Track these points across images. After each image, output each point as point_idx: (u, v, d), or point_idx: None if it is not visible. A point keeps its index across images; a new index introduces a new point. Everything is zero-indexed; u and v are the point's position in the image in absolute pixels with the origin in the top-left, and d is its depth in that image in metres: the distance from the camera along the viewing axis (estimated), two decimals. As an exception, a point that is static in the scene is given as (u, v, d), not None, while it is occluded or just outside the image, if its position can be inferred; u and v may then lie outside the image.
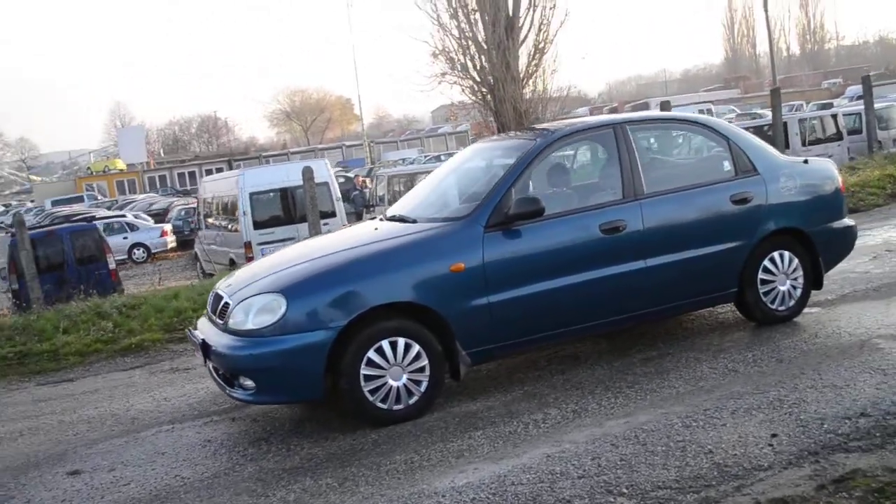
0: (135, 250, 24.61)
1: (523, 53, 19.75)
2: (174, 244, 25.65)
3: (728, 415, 4.38)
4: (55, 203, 44.37)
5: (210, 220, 17.49)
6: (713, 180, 5.80)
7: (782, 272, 5.88)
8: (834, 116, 18.97)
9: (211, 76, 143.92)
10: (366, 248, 5.14)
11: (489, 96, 19.68)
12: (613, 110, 64.82)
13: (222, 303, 5.23)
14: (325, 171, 15.77)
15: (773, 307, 5.89)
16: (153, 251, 24.96)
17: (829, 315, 6.07)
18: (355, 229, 5.96)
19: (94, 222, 17.18)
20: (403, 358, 4.90)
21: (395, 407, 4.92)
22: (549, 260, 5.22)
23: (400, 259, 5.02)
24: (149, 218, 28.53)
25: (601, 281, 5.30)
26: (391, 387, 4.88)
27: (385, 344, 4.86)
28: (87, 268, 14.05)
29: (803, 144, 18.12)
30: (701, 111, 43.26)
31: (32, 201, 50.38)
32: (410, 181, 19.75)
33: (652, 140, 6.13)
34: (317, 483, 4.22)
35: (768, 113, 35.00)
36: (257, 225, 15.04)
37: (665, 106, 16.71)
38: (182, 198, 37.19)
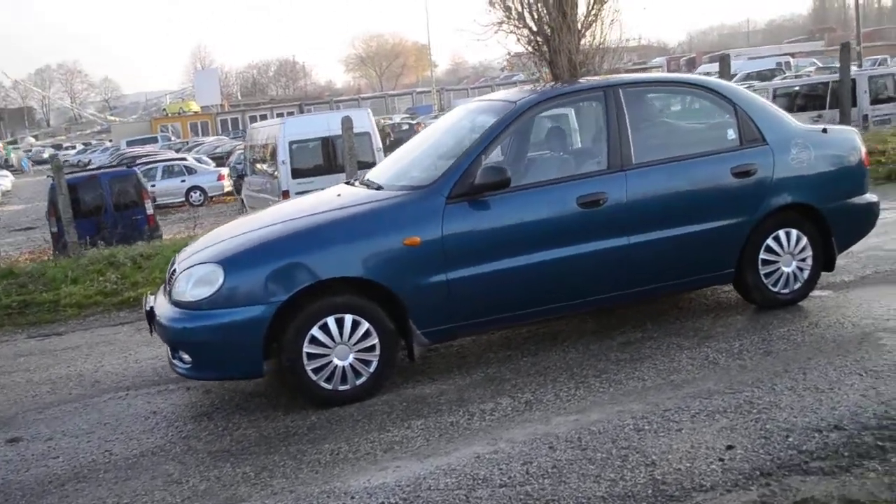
0: (192, 193, 24.78)
1: (582, 2, 18.93)
2: (230, 188, 25.74)
3: (688, 418, 3.86)
4: (130, 143, 45.30)
5: (257, 167, 17.35)
6: (713, 150, 5.14)
7: (787, 252, 5.24)
8: (907, 72, 17.51)
9: (291, 19, 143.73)
10: (314, 218, 4.72)
11: (545, 47, 18.94)
12: (691, 61, 62.21)
13: (171, 269, 4.93)
14: (367, 121, 15.38)
15: (776, 290, 5.27)
16: (210, 195, 25.09)
17: (838, 300, 5.41)
18: (322, 194, 5.53)
19: (135, 167, 17.09)
20: (350, 336, 4.51)
21: (341, 387, 4.55)
22: (518, 234, 4.71)
23: (348, 231, 4.59)
24: (210, 161, 28.69)
25: (576, 258, 4.78)
26: (336, 366, 4.51)
27: (331, 321, 4.47)
28: (125, 213, 14.06)
29: (872, 103, 16.80)
30: (778, 64, 41.26)
31: (111, 141, 51.51)
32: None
33: (648, 105, 5.46)
34: (234, 471, 3.90)
35: (855, 67, 33.12)
36: (296, 174, 14.76)
37: (725, 60, 15.64)
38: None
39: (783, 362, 4.41)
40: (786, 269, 5.25)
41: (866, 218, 5.53)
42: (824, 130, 5.45)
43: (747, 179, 5.07)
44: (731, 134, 5.20)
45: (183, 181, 24.91)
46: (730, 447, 3.51)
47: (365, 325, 4.53)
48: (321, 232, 4.58)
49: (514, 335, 5.44)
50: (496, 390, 4.51)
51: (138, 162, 28.47)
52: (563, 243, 4.75)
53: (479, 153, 4.74)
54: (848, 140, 5.49)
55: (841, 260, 6.23)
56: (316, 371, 4.49)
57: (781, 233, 5.22)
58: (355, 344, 4.52)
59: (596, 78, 5.43)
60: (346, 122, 11.24)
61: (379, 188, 5.05)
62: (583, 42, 18.44)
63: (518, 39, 19.18)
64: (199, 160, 28.01)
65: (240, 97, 74.14)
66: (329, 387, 4.53)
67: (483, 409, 4.28)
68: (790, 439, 3.53)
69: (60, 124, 76.42)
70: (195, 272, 4.56)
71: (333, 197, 5.16)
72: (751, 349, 4.66)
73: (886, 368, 4.16)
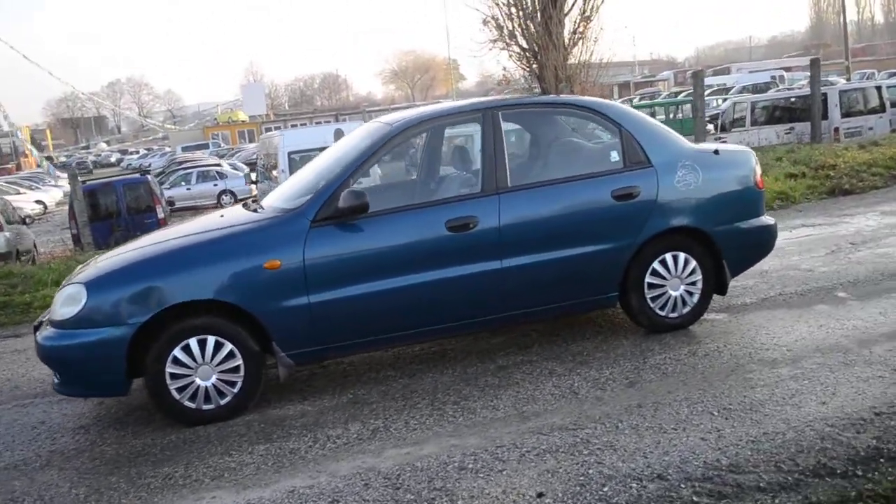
0: (223, 196, 24.56)
1: (569, 21, 18.27)
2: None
3: (517, 457, 3.34)
4: (185, 149, 45.54)
5: (271, 174, 17.05)
6: (594, 172, 4.59)
7: (675, 276, 4.67)
8: (878, 88, 16.51)
9: (335, 37, 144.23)
10: (180, 241, 4.27)
11: (534, 63, 18.35)
12: (696, 74, 60.73)
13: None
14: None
15: (663, 314, 4.70)
16: (239, 198, 24.85)
17: (728, 325, 4.82)
18: (210, 215, 5.07)
19: (147, 175, 16.68)
20: (213, 357, 4.06)
21: (205, 406, 4.11)
22: (386, 258, 4.21)
23: (210, 254, 4.12)
24: (244, 167, 28.47)
25: (445, 282, 4.26)
26: (199, 386, 4.08)
27: (193, 342, 4.03)
28: (137, 217, 13.84)
29: (843, 116, 15.91)
30: (773, 77, 39.90)
31: (169, 147, 51.89)
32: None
33: (529, 127, 4.92)
34: (70, 492, 3.49)
35: (842, 80, 31.77)
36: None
37: (697, 75, 14.95)
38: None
39: (642, 395, 3.85)
40: (673, 293, 4.69)
41: (761, 241, 4.92)
42: (716, 152, 4.85)
43: (629, 202, 4.51)
44: (615, 156, 4.64)
45: (215, 185, 24.71)
46: (540, 495, 2.99)
47: (228, 347, 4.08)
48: (182, 255, 4.14)
49: (405, 352, 4.95)
50: (353, 414, 4.03)
51: (184, 165, 28.54)
52: (431, 267, 4.24)
53: (347, 177, 4.27)
54: (740, 162, 4.88)
55: (749, 279, 5.67)
56: (180, 390, 4.06)
57: (668, 256, 4.65)
58: (218, 365, 4.08)
59: (474, 101, 4.89)
60: (338, 135, 10.88)
61: (256, 210, 4.58)
62: (571, 59, 17.89)
63: (510, 56, 18.71)
64: (233, 166, 27.80)
65: (287, 107, 74.31)
66: (193, 406, 4.09)
67: (330, 435, 3.80)
68: (605, 489, 2.99)
69: (130, 132, 77.47)
70: (65, 291, 4.16)
71: (217, 218, 4.71)
72: (617, 379, 4.11)
73: (741, 407, 3.59)
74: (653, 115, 19.57)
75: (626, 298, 4.66)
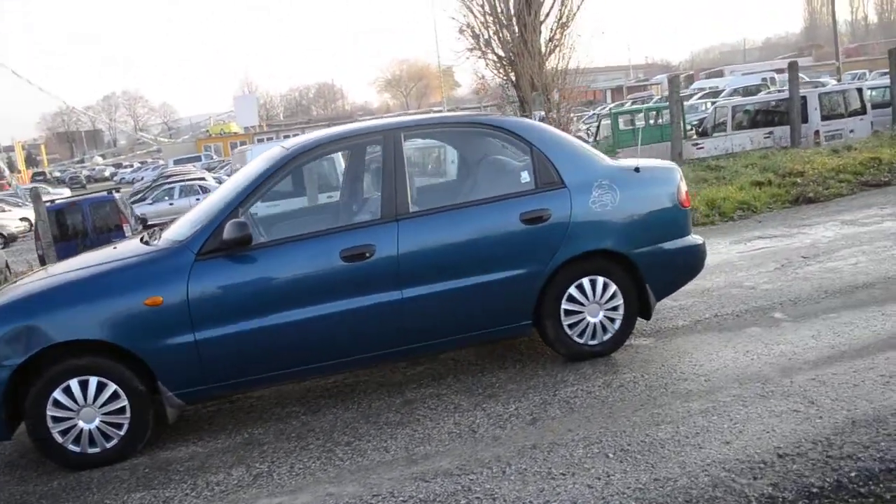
0: (206, 210, 24.37)
1: (546, 28, 18.09)
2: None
3: (390, 508, 3.12)
4: (176, 162, 45.41)
5: None
6: (502, 195, 4.38)
7: (594, 301, 4.44)
8: (859, 90, 16.27)
9: (329, 47, 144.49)
10: (61, 277, 4.08)
11: (511, 72, 18.17)
12: (689, 77, 60.46)
13: None
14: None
15: (581, 341, 4.48)
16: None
17: (652, 352, 4.58)
18: (104, 248, 4.81)
19: (113, 194, 16.17)
20: (96, 399, 3.86)
21: (91, 450, 3.90)
22: (276, 291, 3.99)
23: (90, 291, 3.91)
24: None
25: (341, 315, 4.04)
26: (82, 429, 3.87)
27: (74, 383, 3.83)
28: (103, 236, 13.62)
29: (823, 119, 15.68)
30: (763, 80, 39.65)
31: (162, 160, 51.80)
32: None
33: (435, 149, 4.71)
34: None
35: (833, 81, 31.48)
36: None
37: (673, 81, 14.73)
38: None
39: (540, 434, 3.63)
40: (592, 320, 4.46)
41: (687, 262, 4.69)
42: (637, 169, 4.62)
43: (539, 226, 4.29)
44: (526, 177, 4.42)
45: (198, 199, 24.50)
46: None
47: (112, 387, 3.88)
48: (61, 292, 3.94)
49: (316, 384, 4.74)
50: (242, 457, 3.81)
51: (171, 179, 28.29)
52: (325, 300, 4.03)
53: (237, 205, 4.06)
54: (663, 179, 4.66)
55: (688, 299, 5.46)
56: (63, 433, 3.85)
57: (586, 281, 4.43)
58: (102, 406, 3.87)
59: (375, 122, 4.68)
60: None
61: (149, 242, 4.36)
62: (548, 65, 17.66)
63: (486, 65, 18.51)
64: (218, 179, 27.60)
65: (281, 117, 74.25)
66: (77, 449, 3.89)
67: (210, 481, 3.59)
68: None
69: (127, 145, 77.47)
70: None
71: (109, 251, 4.50)
72: (521, 415, 3.88)
73: (639, 448, 3.37)
74: (632, 121, 19.36)
75: (542, 326, 4.44)
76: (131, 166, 56.36)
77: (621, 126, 17.80)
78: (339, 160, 4.83)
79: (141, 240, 4.55)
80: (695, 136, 18.87)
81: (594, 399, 3.97)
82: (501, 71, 18.01)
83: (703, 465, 3.16)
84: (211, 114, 67.16)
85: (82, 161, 67.03)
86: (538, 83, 17.02)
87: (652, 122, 19.02)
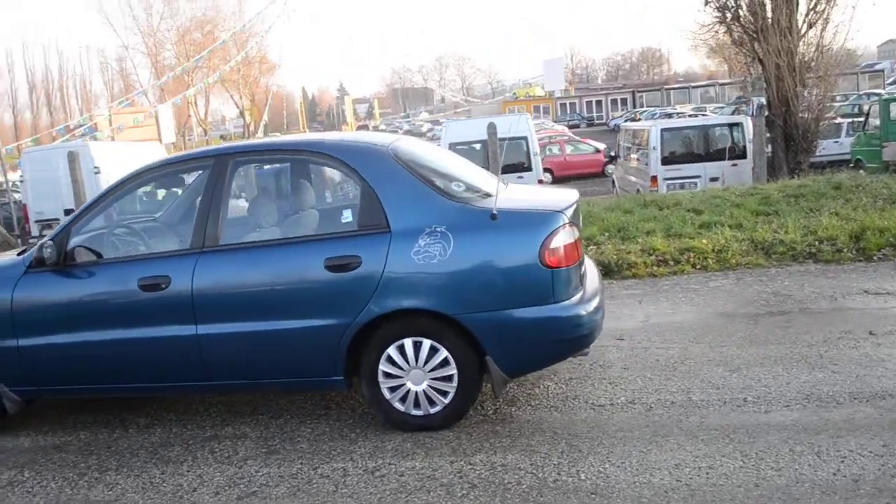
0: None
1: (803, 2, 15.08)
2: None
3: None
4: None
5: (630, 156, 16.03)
6: (314, 235, 3.85)
7: (415, 367, 3.75)
8: None
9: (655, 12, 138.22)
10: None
11: (756, 47, 15.53)
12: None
13: None
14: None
15: (403, 409, 3.84)
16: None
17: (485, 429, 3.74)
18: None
19: None
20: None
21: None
22: (82, 311, 4.05)
23: None
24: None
25: (142, 343, 3.94)
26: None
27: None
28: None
29: None
30: None
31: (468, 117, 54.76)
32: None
33: (265, 177, 4.22)
34: None
35: None
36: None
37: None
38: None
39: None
40: (415, 387, 3.78)
41: (548, 336, 3.68)
42: (493, 216, 3.70)
43: (345, 274, 3.69)
44: (348, 216, 3.84)
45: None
46: None
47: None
48: None
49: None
50: (19, 463, 3.99)
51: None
52: (123, 325, 3.98)
53: (70, 224, 4.19)
54: (525, 229, 3.64)
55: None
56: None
57: (408, 342, 3.75)
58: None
59: (211, 147, 4.34)
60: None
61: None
62: (801, 44, 14.83)
63: (732, 40, 16.12)
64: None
65: (599, 81, 73.19)
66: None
67: (-24, 486, 3.83)
68: None
69: (448, 104, 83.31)
70: None
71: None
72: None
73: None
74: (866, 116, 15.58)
75: (359, 385, 3.91)
76: (439, 123, 60.49)
77: (893, 115, 14.39)
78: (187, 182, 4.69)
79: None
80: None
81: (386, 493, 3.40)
82: (746, 47, 15.64)
83: None
84: (527, 77, 68.85)
85: (408, 116, 73.70)
86: (783, 63, 14.45)
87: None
